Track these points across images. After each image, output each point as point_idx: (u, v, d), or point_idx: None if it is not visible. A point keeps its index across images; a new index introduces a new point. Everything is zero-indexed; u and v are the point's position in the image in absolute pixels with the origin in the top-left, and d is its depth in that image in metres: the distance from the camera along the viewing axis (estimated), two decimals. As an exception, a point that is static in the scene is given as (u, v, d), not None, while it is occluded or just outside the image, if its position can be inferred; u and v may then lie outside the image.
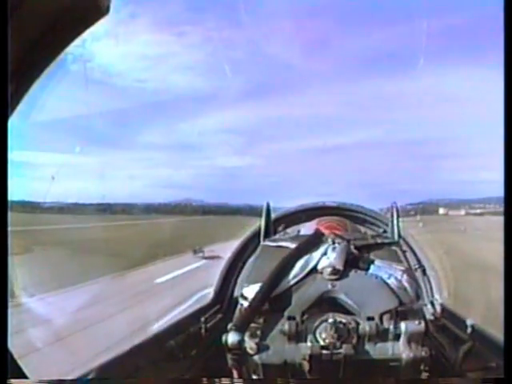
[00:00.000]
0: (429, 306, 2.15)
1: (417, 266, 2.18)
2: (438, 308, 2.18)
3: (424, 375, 1.58)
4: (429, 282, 2.19)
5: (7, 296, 1.03)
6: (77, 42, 1.21)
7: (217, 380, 1.50)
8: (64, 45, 1.22)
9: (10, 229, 1.04)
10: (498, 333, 1.90)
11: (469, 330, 1.90)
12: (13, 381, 1.07)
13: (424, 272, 2.19)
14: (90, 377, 1.52)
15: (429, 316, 2.09)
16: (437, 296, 2.19)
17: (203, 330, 2.04)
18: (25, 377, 1.16)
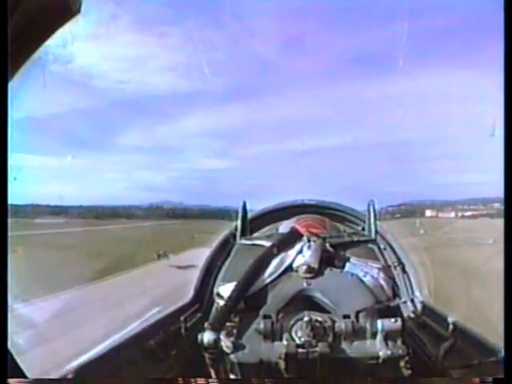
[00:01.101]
0: (409, 304, 2.15)
1: (396, 264, 2.18)
2: (419, 305, 2.18)
3: (405, 373, 1.58)
4: (408, 279, 2.19)
5: (7, 297, 1.03)
6: (57, 42, 1.20)
7: (192, 380, 1.50)
8: (37, 44, 1.21)
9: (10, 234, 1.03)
10: (479, 330, 1.91)
11: (450, 327, 1.90)
12: (13, 381, 1.08)
13: (403, 269, 2.20)
14: (68, 377, 1.51)
15: (409, 313, 2.09)
16: (417, 293, 2.19)
17: (183, 330, 2.03)
18: (25, 377, 1.16)
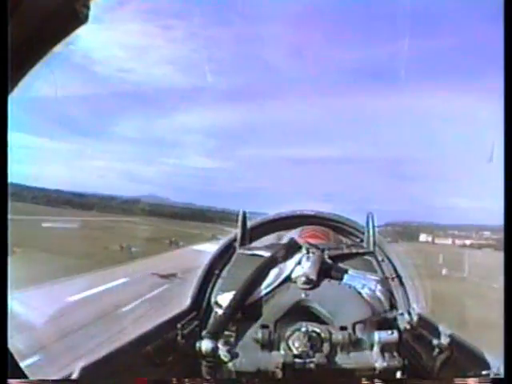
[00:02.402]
0: (405, 316, 2.16)
1: (393, 276, 2.19)
2: (415, 317, 2.19)
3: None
4: (405, 291, 2.20)
5: (7, 297, 1.03)
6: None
7: (186, 380, 1.51)
8: (45, 51, 1.23)
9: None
10: (475, 343, 1.92)
11: (446, 339, 1.91)
12: (13, 381, 1.08)
13: (401, 281, 2.20)
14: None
15: (405, 325, 2.10)
16: (414, 305, 2.20)
17: (179, 337, 2.03)
18: (25, 377, 1.16)
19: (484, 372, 1.67)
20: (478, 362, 1.75)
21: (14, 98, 1.14)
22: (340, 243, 2.05)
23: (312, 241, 1.88)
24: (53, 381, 1.51)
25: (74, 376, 1.51)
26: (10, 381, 1.06)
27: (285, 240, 2.03)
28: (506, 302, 1.16)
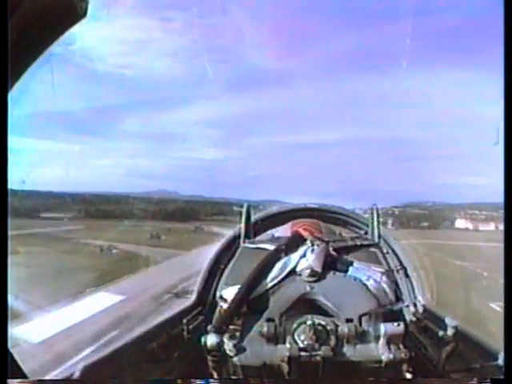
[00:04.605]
0: (411, 308, 2.15)
1: (398, 268, 2.18)
2: (421, 309, 2.18)
3: (406, 376, 1.58)
4: (410, 283, 2.19)
5: (7, 297, 1.03)
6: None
7: (192, 380, 1.50)
8: (44, 46, 1.22)
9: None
10: (481, 334, 1.91)
11: (452, 331, 1.90)
12: (13, 381, 1.08)
13: (406, 273, 2.20)
14: (73, 377, 1.52)
15: (411, 317, 2.09)
16: (419, 297, 2.19)
17: (185, 332, 2.03)
18: (25, 377, 1.16)
19: (489, 364, 1.67)
20: (483, 353, 1.74)
21: (14, 98, 1.13)
22: (333, 235, 2.04)
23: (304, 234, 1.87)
24: (53, 381, 1.51)
25: (78, 373, 1.52)
26: (9, 381, 1.06)
27: (278, 234, 2.03)
28: (506, 303, 1.15)
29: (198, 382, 1.48)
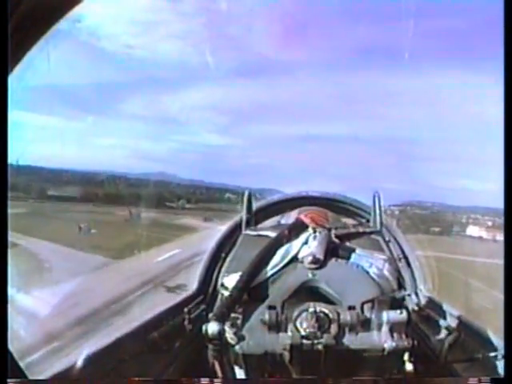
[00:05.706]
0: (413, 296, 2.15)
1: (400, 256, 2.17)
2: (423, 298, 2.18)
3: (408, 365, 1.58)
4: (412, 272, 2.18)
5: (7, 297, 1.02)
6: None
7: (196, 380, 1.50)
8: (45, 27, 1.20)
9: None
10: (482, 324, 1.91)
11: (454, 321, 1.90)
12: (13, 381, 1.07)
13: (408, 262, 2.19)
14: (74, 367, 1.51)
15: (413, 306, 2.09)
16: (421, 286, 2.19)
17: (187, 322, 2.02)
18: (25, 377, 1.15)
19: (491, 354, 1.66)
20: (485, 344, 1.73)
21: (17, 77, 1.11)
22: (340, 222, 2.02)
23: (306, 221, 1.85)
24: (53, 381, 1.51)
25: (79, 364, 1.51)
26: (10, 381, 1.05)
27: (284, 221, 2.02)
28: (507, 304, 1.14)
29: (203, 380, 1.47)
